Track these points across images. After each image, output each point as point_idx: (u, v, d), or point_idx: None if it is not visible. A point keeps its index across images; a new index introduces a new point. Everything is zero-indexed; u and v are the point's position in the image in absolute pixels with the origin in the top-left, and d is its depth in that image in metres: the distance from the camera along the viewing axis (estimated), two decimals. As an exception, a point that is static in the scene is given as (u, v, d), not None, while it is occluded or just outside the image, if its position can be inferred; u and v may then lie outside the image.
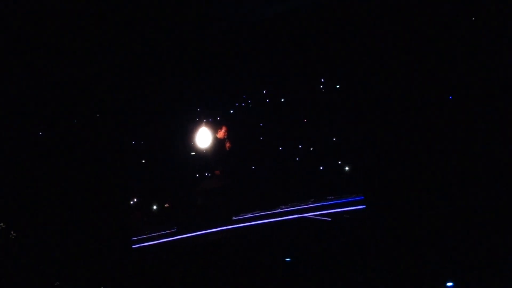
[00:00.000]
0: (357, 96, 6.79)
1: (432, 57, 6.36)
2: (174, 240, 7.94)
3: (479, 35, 6.17)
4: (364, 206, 6.85)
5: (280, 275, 5.99)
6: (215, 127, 8.65)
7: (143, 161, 8.83)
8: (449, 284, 4.92)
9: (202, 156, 8.58)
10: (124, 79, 7.89)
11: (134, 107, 8.23)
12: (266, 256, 6.32)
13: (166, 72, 8.03)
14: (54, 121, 7.66)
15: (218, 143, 8.59)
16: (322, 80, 8.51)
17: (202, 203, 8.53)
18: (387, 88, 6.51)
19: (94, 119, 7.83)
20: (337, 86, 8.17)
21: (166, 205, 8.77)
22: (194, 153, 8.62)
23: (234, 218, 8.37)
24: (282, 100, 8.91)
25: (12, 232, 7.00)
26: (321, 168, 8.65)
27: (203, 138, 8.51)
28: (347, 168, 8.44)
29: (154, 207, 8.84)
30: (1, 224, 6.90)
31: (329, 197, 8.28)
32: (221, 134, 8.66)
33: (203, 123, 8.62)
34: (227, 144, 8.63)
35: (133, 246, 7.78)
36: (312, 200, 8.44)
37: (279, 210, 8.33)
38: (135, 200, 8.66)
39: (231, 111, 9.11)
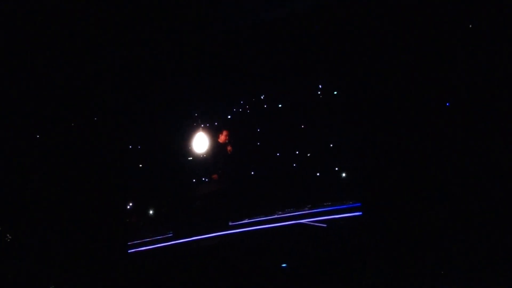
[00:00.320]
0: (355, 101, 6.80)
1: (430, 63, 6.37)
2: (170, 245, 7.92)
3: (479, 36, 6.15)
4: (360, 213, 6.85)
5: (276, 281, 5.99)
6: (212, 131, 8.65)
7: (140, 165, 8.80)
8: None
9: (200, 161, 8.57)
10: (122, 81, 7.88)
11: (132, 111, 8.21)
12: (262, 262, 6.31)
13: (164, 76, 8.03)
14: (51, 124, 7.64)
15: (219, 147, 8.61)
16: (320, 86, 8.50)
17: (199, 208, 8.52)
18: (384, 94, 6.52)
19: (91, 122, 7.82)
20: (335, 92, 8.17)
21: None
22: (191, 158, 8.61)
23: (230, 223, 8.35)
24: (280, 105, 8.90)
25: (8, 235, 6.98)
26: (318, 174, 8.64)
27: (201, 143, 8.51)
28: (344, 175, 8.43)
29: (151, 212, 8.81)
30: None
31: (326, 203, 8.27)
32: (222, 138, 8.67)
33: (201, 128, 8.61)
34: (229, 148, 8.65)
35: (129, 251, 7.75)
36: (309, 206, 8.42)
37: (275, 216, 8.32)
38: (131, 204, 8.63)
39: (229, 116, 9.10)
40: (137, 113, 8.35)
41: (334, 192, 8.36)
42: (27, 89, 7.50)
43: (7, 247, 6.96)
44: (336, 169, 8.47)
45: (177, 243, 7.92)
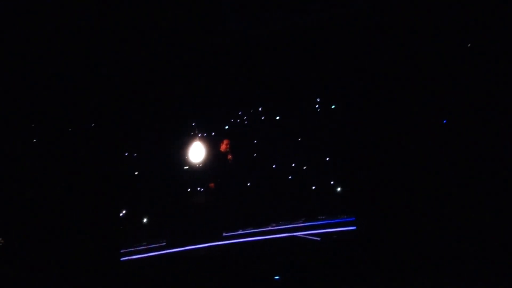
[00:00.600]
0: (351, 116, 6.83)
1: (430, 81, 6.40)
2: (163, 254, 7.89)
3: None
4: (354, 227, 6.85)
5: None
6: (209, 141, 8.67)
7: (136, 173, 8.80)
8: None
9: (196, 170, 8.58)
10: (119, 89, 7.89)
11: (128, 119, 8.22)
12: (255, 274, 6.29)
13: (161, 85, 8.05)
14: (46, 133, 7.63)
15: (219, 156, 8.64)
16: (318, 99, 8.56)
17: (193, 218, 8.50)
18: (380, 110, 6.55)
19: (86, 130, 7.80)
20: (332, 106, 8.22)
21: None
22: (187, 167, 8.62)
23: (224, 234, 8.34)
24: (277, 118, 8.95)
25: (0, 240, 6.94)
26: (313, 187, 8.67)
27: (197, 152, 8.52)
28: (339, 189, 8.47)
29: (144, 220, 8.79)
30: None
31: (320, 217, 8.29)
32: (223, 147, 8.71)
33: (197, 138, 8.63)
34: (229, 157, 8.68)
35: (122, 259, 7.71)
36: (303, 219, 8.43)
37: (269, 228, 8.32)
38: (125, 212, 8.61)
39: (226, 127, 9.13)
40: (134, 121, 8.36)
41: (328, 206, 8.39)
42: (25, 92, 7.49)
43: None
44: (332, 183, 8.50)
45: (170, 252, 7.90)
